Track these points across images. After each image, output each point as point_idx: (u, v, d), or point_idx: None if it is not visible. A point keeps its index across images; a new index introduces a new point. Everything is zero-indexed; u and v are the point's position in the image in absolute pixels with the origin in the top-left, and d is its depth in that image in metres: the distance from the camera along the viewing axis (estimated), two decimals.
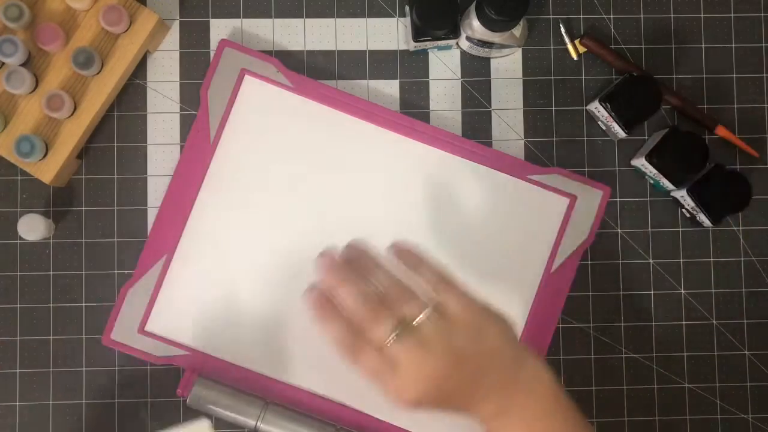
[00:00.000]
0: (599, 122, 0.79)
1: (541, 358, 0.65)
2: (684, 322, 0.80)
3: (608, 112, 0.76)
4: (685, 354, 0.80)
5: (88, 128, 0.75)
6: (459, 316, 0.62)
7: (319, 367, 0.76)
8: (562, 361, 0.79)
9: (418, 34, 0.75)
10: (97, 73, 0.75)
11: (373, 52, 0.80)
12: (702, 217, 0.78)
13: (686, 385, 0.80)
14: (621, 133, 0.77)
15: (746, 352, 0.80)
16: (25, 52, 0.73)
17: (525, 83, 0.80)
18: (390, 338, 0.61)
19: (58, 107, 0.72)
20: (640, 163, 0.78)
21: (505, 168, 0.78)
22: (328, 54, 0.80)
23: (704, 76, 0.81)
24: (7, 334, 0.77)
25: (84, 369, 0.77)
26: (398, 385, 0.61)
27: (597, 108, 0.77)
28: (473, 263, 0.78)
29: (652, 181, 0.80)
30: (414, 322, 0.61)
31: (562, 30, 0.80)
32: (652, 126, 0.81)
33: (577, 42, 0.80)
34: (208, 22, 0.79)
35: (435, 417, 0.76)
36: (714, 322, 0.80)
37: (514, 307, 0.77)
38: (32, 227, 0.73)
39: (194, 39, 0.79)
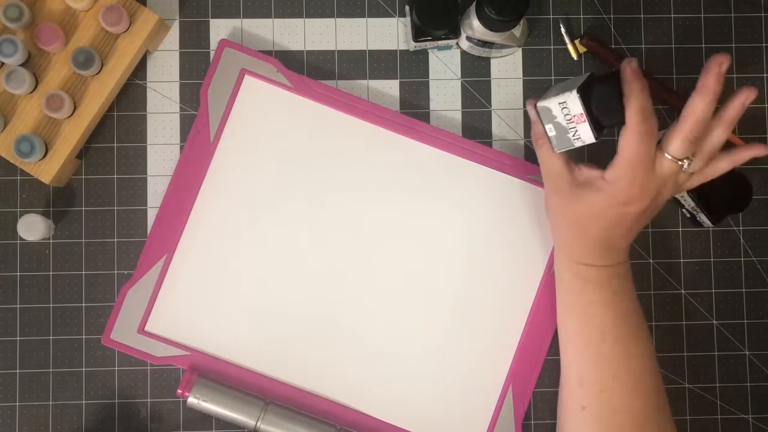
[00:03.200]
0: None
1: None
2: (684, 322, 0.80)
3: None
4: (685, 354, 0.80)
5: (88, 128, 0.75)
6: None
7: (320, 368, 0.77)
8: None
9: (418, 34, 0.75)
10: (97, 73, 0.75)
11: (373, 52, 0.80)
12: (702, 217, 0.78)
13: (686, 385, 0.80)
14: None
15: (746, 352, 0.80)
16: (25, 52, 0.73)
17: (525, 83, 0.80)
18: (686, 162, 0.67)
19: (58, 107, 0.72)
20: None
21: (505, 168, 0.78)
22: (328, 54, 0.80)
23: None
24: (7, 334, 0.77)
25: (84, 369, 0.77)
26: (653, 176, 0.67)
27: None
28: (473, 263, 0.78)
29: None
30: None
31: (562, 30, 0.80)
32: None
33: (577, 42, 0.80)
34: (208, 22, 0.79)
35: (435, 416, 0.77)
36: (714, 322, 0.80)
37: (514, 306, 0.78)
38: (32, 227, 0.73)
39: (194, 39, 0.79)
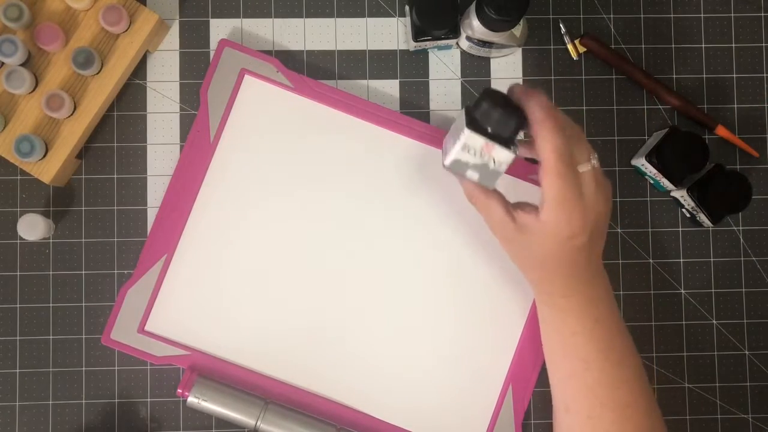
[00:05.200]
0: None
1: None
2: (684, 322, 0.80)
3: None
4: (685, 354, 0.80)
5: (88, 128, 0.75)
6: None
7: (320, 367, 0.77)
8: None
9: (418, 34, 0.75)
10: (97, 73, 0.75)
11: (373, 52, 0.80)
12: (702, 217, 0.78)
13: (686, 385, 0.80)
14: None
15: (746, 352, 0.80)
16: (25, 52, 0.73)
17: (525, 83, 0.80)
18: (592, 160, 0.66)
19: (58, 107, 0.72)
20: (640, 163, 0.78)
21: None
22: (328, 54, 0.80)
23: (704, 76, 0.81)
24: (7, 334, 0.77)
25: (84, 369, 0.77)
26: (584, 202, 0.65)
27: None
28: (474, 263, 0.78)
29: (652, 181, 0.80)
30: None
31: (562, 30, 0.80)
32: (652, 126, 0.81)
33: (577, 42, 0.80)
34: (208, 22, 0.79)
35: (435, 416, 0.77)
36: (714, 322, 0.80)
37: (515, 306, 0.78)
38: (32, 227, 0.73)
39: (194, 39, 0.79)
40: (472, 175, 0.66)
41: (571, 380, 0.70)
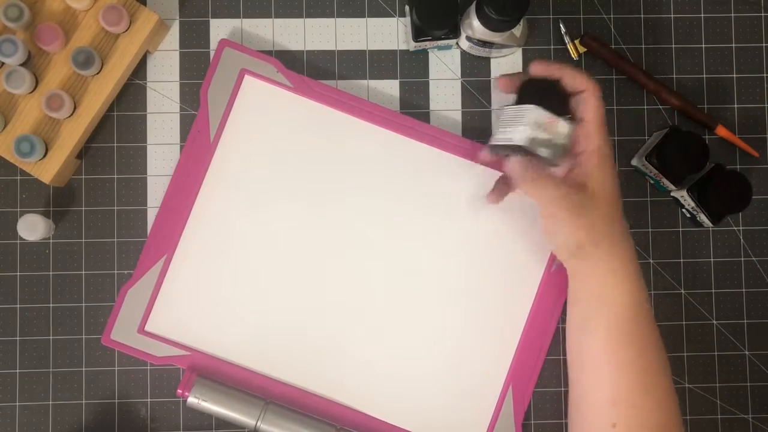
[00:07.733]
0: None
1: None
2: (684, 322, 0.80)
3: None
4: (685, 354, 0.80)
5: (88, 128, 0.75)
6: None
7: (320, 367, 0.77)
8: (563, 362, 0.78)
9: (418, 34, 0.75)
10: (97, 73, 0.75)
11: (373, 52, 0.80)
12: (702, 217, 0.78)
13: (686, 385, 0.80)
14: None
15: (746, 352, 0.80)
16: (25, 52, 0.73)
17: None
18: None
19: (58, 107, 0.72)
20: (640, 163, 0.78)
21: None
22: (328, 54, 0.80)
23: (704, 76, 0.81)
24: (7, 334, 0.77)
25: (84, 369, 0.77)
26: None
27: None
28: (474, 263, 0.78)
29: (652, 181, 0.80)
30: None
31: (562, 30, 0.80)
32: (652, 126, 0.81)
33: (577, 42, 0.80)
34: (208, 22, 0.79)
35: (435, 416, 0.77)
36: (714, 322, 0.80)
37: (515, 305, 0.78)
38: (32, 227, 0.74)
39: (194, 39, 0.79)
40: (543, 151, 0.68)
41: (623, 369, 0.68)
